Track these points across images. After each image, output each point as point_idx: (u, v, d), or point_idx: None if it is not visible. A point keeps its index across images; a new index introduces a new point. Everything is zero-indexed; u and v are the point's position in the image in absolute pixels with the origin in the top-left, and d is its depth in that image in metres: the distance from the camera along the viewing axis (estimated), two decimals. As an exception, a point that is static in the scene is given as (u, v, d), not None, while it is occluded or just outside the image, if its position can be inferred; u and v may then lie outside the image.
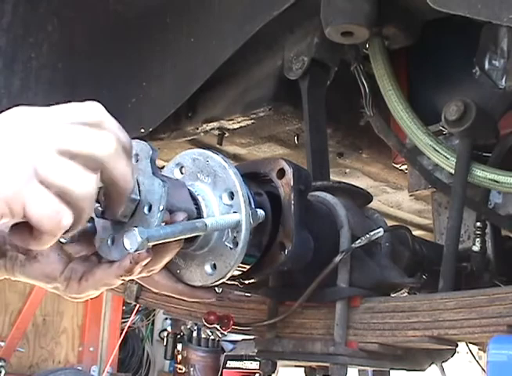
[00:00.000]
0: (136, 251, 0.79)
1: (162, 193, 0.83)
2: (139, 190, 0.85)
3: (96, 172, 0.77)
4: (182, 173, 0.96)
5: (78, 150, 0.75)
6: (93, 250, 0.90)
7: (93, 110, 0.80)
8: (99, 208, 0.86)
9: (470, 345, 1.68)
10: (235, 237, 0.90)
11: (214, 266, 0.93)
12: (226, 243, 0.91)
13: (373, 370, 1.27)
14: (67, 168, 0.75)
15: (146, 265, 0.86)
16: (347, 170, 2.02)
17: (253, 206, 0.94)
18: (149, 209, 0.84)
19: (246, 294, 1.31)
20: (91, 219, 0.87)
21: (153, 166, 0.87)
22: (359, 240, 1.15)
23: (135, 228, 0.79)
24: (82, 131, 0.77)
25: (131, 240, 0.79)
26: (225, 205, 0.91)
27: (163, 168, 0.98)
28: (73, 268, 0.89)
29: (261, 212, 0.94)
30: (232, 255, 0.91)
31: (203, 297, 1.00)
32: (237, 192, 0.91)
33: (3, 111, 0.77)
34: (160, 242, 0.83)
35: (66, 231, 0.77)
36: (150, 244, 0.80)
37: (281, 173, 1.03)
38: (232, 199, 0.91)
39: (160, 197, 0.83)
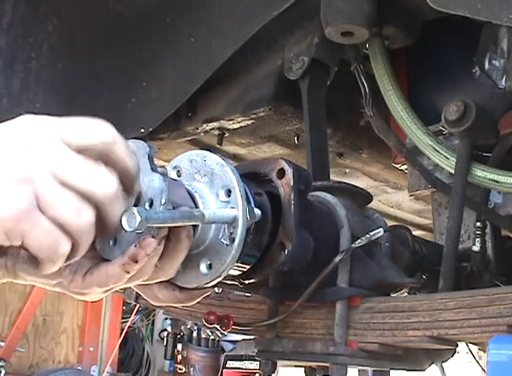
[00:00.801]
0: (135, 230, 0.78)
1: (163, 188, 0.83)
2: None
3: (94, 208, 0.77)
4: (178, 176, 0.95)
5: (77, 185, 0.75)
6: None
7: (102, 134, 0.80)
8: None
9: (470, 345, 1.67)
10: (231, 233, 0.90)
11: (209, 266, 0.91)
12: (222, 240, 0.90)
13: (373, 370, 1.27)
14: (67, 199, 0.75)
15: (156, 263, 0.85)
16: (347, 170, 2.02)
17: (252, 204, 0.94)
18: (151, 205, 0.84)
19: (246, 294, 1.31)
20: None
21: (151, 163, 0.87)
22: (359, 240, 1.15)
23: (133, 207, 0.79)
24: (84, 166, 0.77)
25: (130, 219, 0.78)
26: (221, 202, 0.91)
27: (163, 167, 0.98)
28: (79, 262, 0.86)
29: (257, 211, 0.94)
30: (229, 252, 0.90)
31: (200, 296, 0.98)
32: (234, 188, 0.90)
33: (12, 118, 0.76)
34: (159, 225, 0.82)
35: (67, 259, 0.78)
36: (149, 225, 0.79)
37: (281, 173, 1.03)
38: (229, 196, 0.90)
39: (160, 191, 0.83)
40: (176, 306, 1.39)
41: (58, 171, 0.75)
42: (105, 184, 0.77)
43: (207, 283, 0.93)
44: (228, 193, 0.91)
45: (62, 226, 0.75)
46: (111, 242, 0.87)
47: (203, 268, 0.92)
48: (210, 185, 0.92)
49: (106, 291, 0.87)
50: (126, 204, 0.80)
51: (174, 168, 0.96)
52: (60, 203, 0.74)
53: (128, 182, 0.82)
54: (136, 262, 0.82)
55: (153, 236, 0.82)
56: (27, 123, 0.77)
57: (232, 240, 0.90)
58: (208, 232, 0.91)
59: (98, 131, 0.79)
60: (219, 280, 0.92)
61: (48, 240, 0.74)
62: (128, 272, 0.83)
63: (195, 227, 0.89)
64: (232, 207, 0.90)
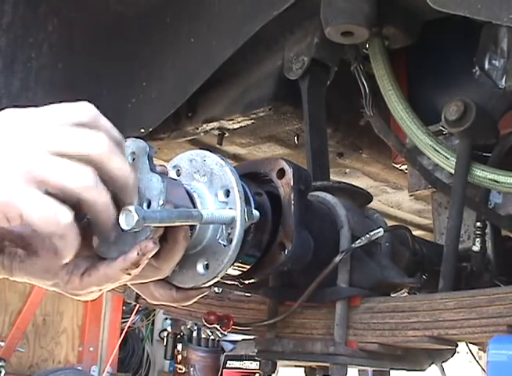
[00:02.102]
0: (132, 229, 0.78)
1: (161, 188, 0.83)
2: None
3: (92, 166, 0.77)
4: (178, 175, 0.95)
5: (71, 150, 0.76)
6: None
7: (84, 110, 0.80)
8: None
9: (470, 345, 1.67)
10: (229, 234, 0.89)
11: (206, 266, 0.91)
12: (220, 241, 0.90)
13: (373, 370, 1.27)
14: (62, 164, 0.75)
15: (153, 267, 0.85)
16: (347, 170, 2.02)
17: (251, 205, 0.94)
18: (149, 205, 0.83)
19: (246, 294, 1.31)
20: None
21: (151, 163, 0.86)
22: (359, 240, 1.15)
23: (131, 206, 0.78)
24: (74, 132, 0.77)
25: (127, 218, 0.78)
26: (220, 202, 0.91)
27: (163, 166, 0.98)
28: (76, 262, 0.85)
29: (256, 212, 0.94)
30: (226, 253, 0.89)
31: (197, 296, 0.97)
32: (233, 188, 0.90)
33: None
34: (157, 225, 0.81)
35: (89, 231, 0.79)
36: (146, 224, 0.79)
37: (281, 173, 1.03)
38: (228, 196, 0.90)
39: (159, 192, 0.83)
40: (176, 306, 1.39)
41: (46, 143, 0.75)
42: (96, 142, 0.77)
43: (204, 284, 0.93)
44: (227, 193, 0.90)
45: (62, 193, 0.75)
46: (107, 241, 0.86)
47: (200, 268, 0.91)
48: (210, 185, 0.92)
49: (103, 290, 0.87)
50: (125, 159, 0.81)
51: (174, 167, 0.96)
52: (54, 168, 0.74)
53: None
54: (138, 266, 0.82)
55: (151, 238, 0.82)
56: (10, 109, 0.78)
57: (230, 241, 0.89)
58: (206, 232, 0.91)
59: (90, 141, 0.78)
60: (216, 280, 0.91)
61: (45, 211, 0.74)
62: (129, 275, 0.83)
63: (192, 227, 0.89)
64: (231, 209, 0.90)
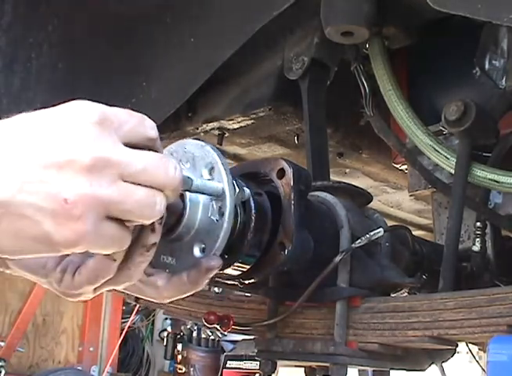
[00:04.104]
0: None
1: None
2: None
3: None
4: None
5: (150, 182, 0.75)
6: None
7: (151, 125, 0.83)
8: None
9: (470, 345, 1.68)
10: (220, 208, 0.88)
11: (203, 247, 0.89)
12: (212, 217, 0.88)
13: (373, 370, 1.27)
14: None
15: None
16: (347, 170, 2.02)
17: (241, 185, 0.92)
18: None
19: (247, 294, 1.32)
20: None
21: None
22: (359, 240, 1.15)
23: None
24: (158, 162, 0.77)
25: None
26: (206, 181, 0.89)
27: None
28: (70, 259, 0.84)
29: (246, 189, 0.93)
30: (220, 227, 0.88)
31: (211, 266, 0.89)
32: (216, 163, 0.88)
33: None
34: None
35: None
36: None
37: (281, 173, 1.03)
38: (213, 172, 0.89)
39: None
40: (176, 306, 1.39)
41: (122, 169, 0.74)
42: (172, 174, 0.77)
43: None
44: (212, 170, 0.89)
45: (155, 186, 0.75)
46: None
47: (196, 251, 0.89)
48: (193, 169, 0.90)
49: (97, 289, 0.83)
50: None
51: None
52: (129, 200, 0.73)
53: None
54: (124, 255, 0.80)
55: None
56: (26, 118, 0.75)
57: (222, 214, 0.87)
58: (196, 214, 0.89)
59: (168, 173, 0.77)
60: (216, 257, 0.89)
61: (147, 200, 0.74)
62: (115, 260, 0.79)
63: (182, 214, 0.88)
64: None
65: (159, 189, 0.76)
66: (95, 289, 0.83)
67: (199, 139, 0.92)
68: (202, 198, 0.88)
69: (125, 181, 0.73)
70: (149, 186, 0.75)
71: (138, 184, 0.74)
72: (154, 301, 0.94)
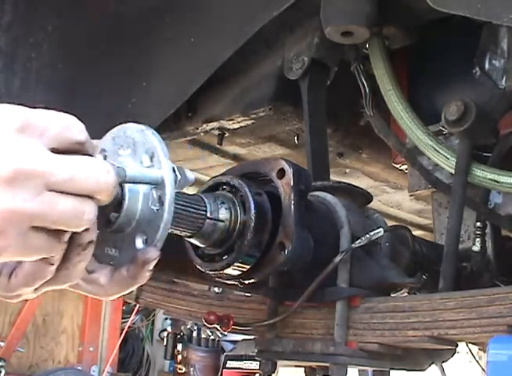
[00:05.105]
0: None
1: None
2: None
3: None
4: (105, 158, 0.89)
5: (75, 190, 0.73)
6: None
7: (79, 127, 0.76)
8: None
9: (470, 345, 1.68)
10: (160, 197, 0.84)
11: (145, 238, 0.85)
12: (152, 206, 0.84)
13: (373, 370, 1.27)
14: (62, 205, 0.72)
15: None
16: (347, 170, 2.02)
17: (183, 171, 0.87)
18: None
19: (247, 294, 1.32)
20: None
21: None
22: (359, 240, 1.15)
23: None
24: (85, 166, 0.73)
25: None
26: (146, 168, 0.85)
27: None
28: (6, 262, 0.79)
29: (191, 174, 0.88)
30: (160, 216, 0.83)
31: (147, 259, 0.84)
32: (156, 148, 0.85)
33: None
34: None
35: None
36: None
37: (281, 173, 1.03)
38: (153, 159, 0.85)
39: None
40: (176, 306, 1.39)
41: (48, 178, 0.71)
42: (104, 178, 0.75)
43: None
44: (152, 156, 0.85)
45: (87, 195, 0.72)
46: None
47: (139, 242, 0.85)
48: (134, 155, 0.87)
49: (37, 290, 0.80)
50: None
51: (101, 151, 0.89)
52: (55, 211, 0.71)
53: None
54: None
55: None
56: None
57: (162, 203, 0.83)
58: (136, 204, 0.85)
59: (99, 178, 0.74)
60: (156, 249, 0.84)
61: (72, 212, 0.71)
62: (52, 264, 0.76)
63: (120, 205, 0.84)
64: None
65: (89, 196, 0.73)
66: (35, 289, 0.80)
67: (141, 123, 0.88)
68: (142, 187, 0.85)
69: (52, 190, 0.70)
70: (78, 194, 0.72)
71: (67, 193, 0.71)
72: (101, 298, 0.90)
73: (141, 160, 0.85)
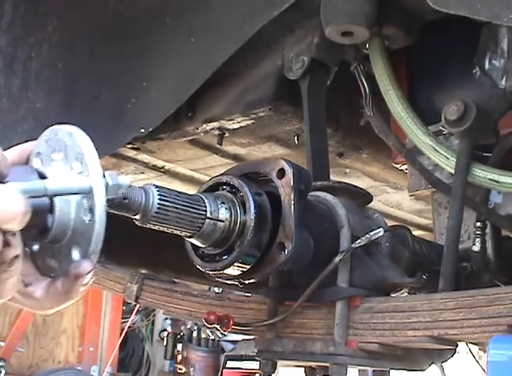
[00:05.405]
0: None
1: None
2: None
3: None
4: (42, 162, 0.85)
5: None
6: None
7: None
8: None
9: (470, 345, 1.68)
10: (90, 207, 0.79)
11: (80, 250, 0.80)
12: (84, 217, 0.79)
13: (373, 370, 1.27)
14: None
15: None
16: (347, 170, 2.02)
17: (114, 177, 0.82)
18: None
19: (247, 294, 1.32)
20: None
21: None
22: (359, 240, 1.15)
23: None
24: None
25: None
26: (76, 174, 0.80)
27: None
28: None
29: (124, 179, 0.82)
30: (90, 228, 0.78)
31: (78, 273, 0.80)
32: (83, 155, 0.79)
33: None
34: None
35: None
36: None
37: (281, 173, 1.03)
38: (83, 166, 0.80)
39: None
40: (176, 306, 1.39)
41: None
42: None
43: None
44: (81, 162, 0.80)
45: None
46: None
47: (75, 255, 0.81)
48: (66, 160, 0.82)
49: None
50: None
51: (36, 154, 0.86)
52: None
53: None
54: None
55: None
56: None
57: (92, 214, 0.78)
58: (69, 214, 0.80)
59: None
60: (90, 262, 0.80)
61: None
62: None
63: (49, 215, 0.80)
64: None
65: None
66: None
67: (71, 126, 0.82)
68: (74, 196, 0.80)
69: None
70: None
71: None
72: (37, 312, 0.88)
73: (72, 165, 0.81)
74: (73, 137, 0.81)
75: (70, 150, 0.81)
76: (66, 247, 0.82)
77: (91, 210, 0.78)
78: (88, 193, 0.78)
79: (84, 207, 0.79)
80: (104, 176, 0.80)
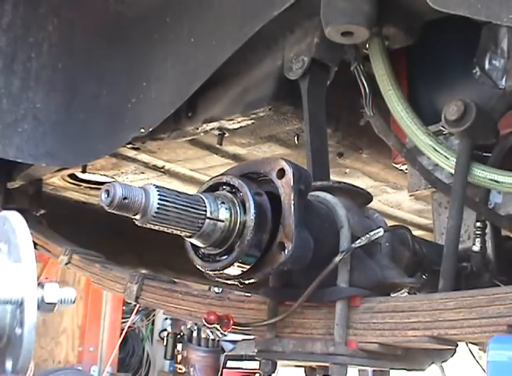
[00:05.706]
0: None
1: None
2: None
3: None
4: None
5: None
6: None
7: None
8: None
9: (470, 345, 1.67)
10: (22, 322, 0.74)
11: (12, 362, 0.77)
12: (16, 329, 0.75)
13: (373, 370, 1.27)
14: None
15: None
16: (347, 170, 2.02)
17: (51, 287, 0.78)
18: None
19: (247, 294, 1.32)
20: None
21: None
22: (359, 240, 1.15)
23: None
24: None
25: None
26: (12, 282, 0.76)
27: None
28: None
29: (70, 293, 0.78)
30: (21, 343, 0.74)
31: None
32: (21, 261, 0.75)
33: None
34: None
35: None
36: None
37: (281, 173, 1.03)
38: (22, 265, 0.76)
39: None
40: (176, 306, 1.39)
41: None
42: None
43: None
44: (19, 261, 0.76)
45: None
46: None
47: (8, 365, 0.77)
48: (9, 255, 0.79)
49: None
50: None
51: None
52: None
53: None
54: None
55: None
56: None
57: (22, 327, 0.74)
58: (5, 317, 0.76)
59: None
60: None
61: None
62: None
63: None
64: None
65: None
66: None
67: (19, 218, 0.77)
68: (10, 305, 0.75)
69: None
70: None
71: None
72: None
73: (14, 262, 0.76)
74: (15, 237, 0.76)
75: (14, 249, 0.77)
76: (1, 354, 0.78)
77: (22, 324, 0.74)
78: (20, 305, 0.74)
79: (17, 319, 0.75)
80: (43, 287, 0.76)
